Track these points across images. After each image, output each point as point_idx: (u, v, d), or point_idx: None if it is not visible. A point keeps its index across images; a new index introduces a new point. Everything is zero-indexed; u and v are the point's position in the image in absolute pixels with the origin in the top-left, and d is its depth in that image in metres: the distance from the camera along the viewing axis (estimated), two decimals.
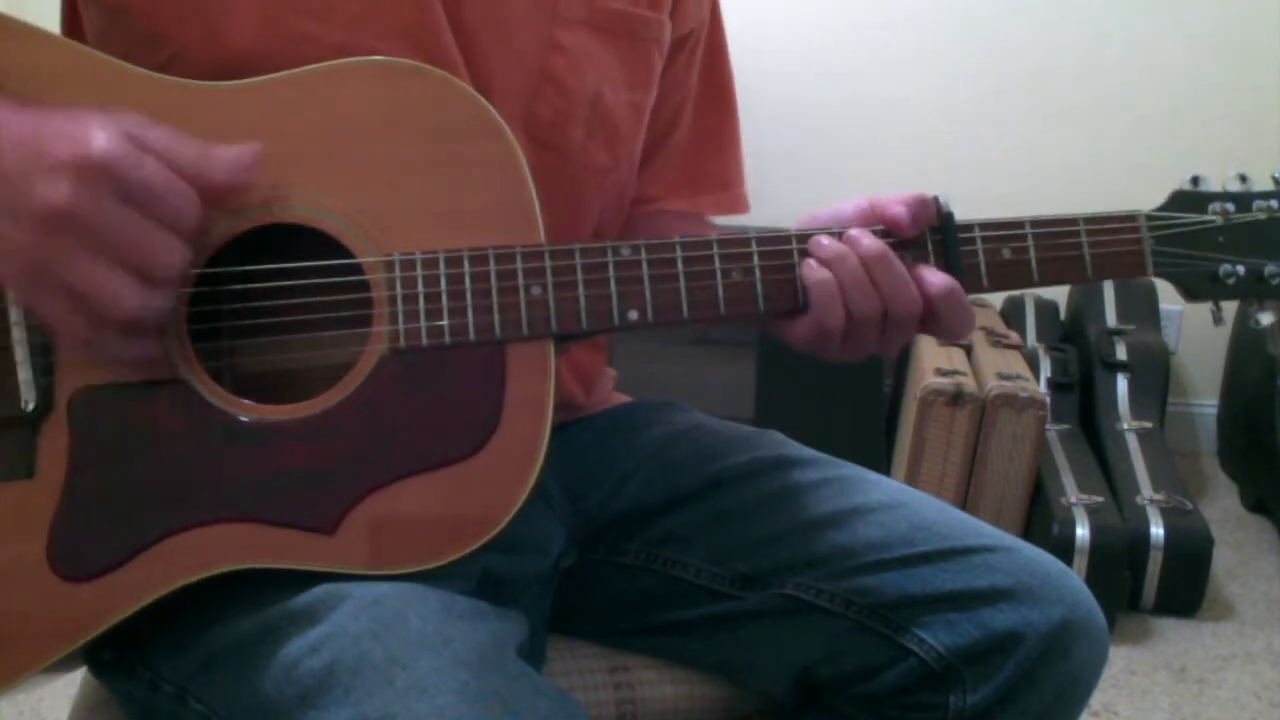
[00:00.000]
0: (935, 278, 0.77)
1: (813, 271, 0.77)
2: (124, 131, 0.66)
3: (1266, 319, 0.81)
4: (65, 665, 0.76)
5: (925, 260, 0.79)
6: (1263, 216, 0.80)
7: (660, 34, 0.91)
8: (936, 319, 0.78)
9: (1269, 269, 0.80)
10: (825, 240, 0.78)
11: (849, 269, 0.77)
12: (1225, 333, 2.53)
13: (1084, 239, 0.80)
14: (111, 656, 0.78)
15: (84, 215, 0.64)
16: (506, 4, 0.83)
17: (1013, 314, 2.54)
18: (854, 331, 0.78)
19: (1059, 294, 2.60)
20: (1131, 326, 2.44)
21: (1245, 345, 2.42)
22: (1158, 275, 0.81)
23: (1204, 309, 0.83)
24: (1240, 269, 0.80)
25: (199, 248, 0.72)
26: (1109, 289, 2.50)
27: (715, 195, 1.01)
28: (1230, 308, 0.82)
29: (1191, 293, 0.81)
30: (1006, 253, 0.79)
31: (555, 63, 0.85)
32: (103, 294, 0.65)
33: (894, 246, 0.78)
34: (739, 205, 1.03)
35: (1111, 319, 2.46)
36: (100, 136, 0.64)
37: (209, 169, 0.68)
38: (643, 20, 0.89)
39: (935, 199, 0.79)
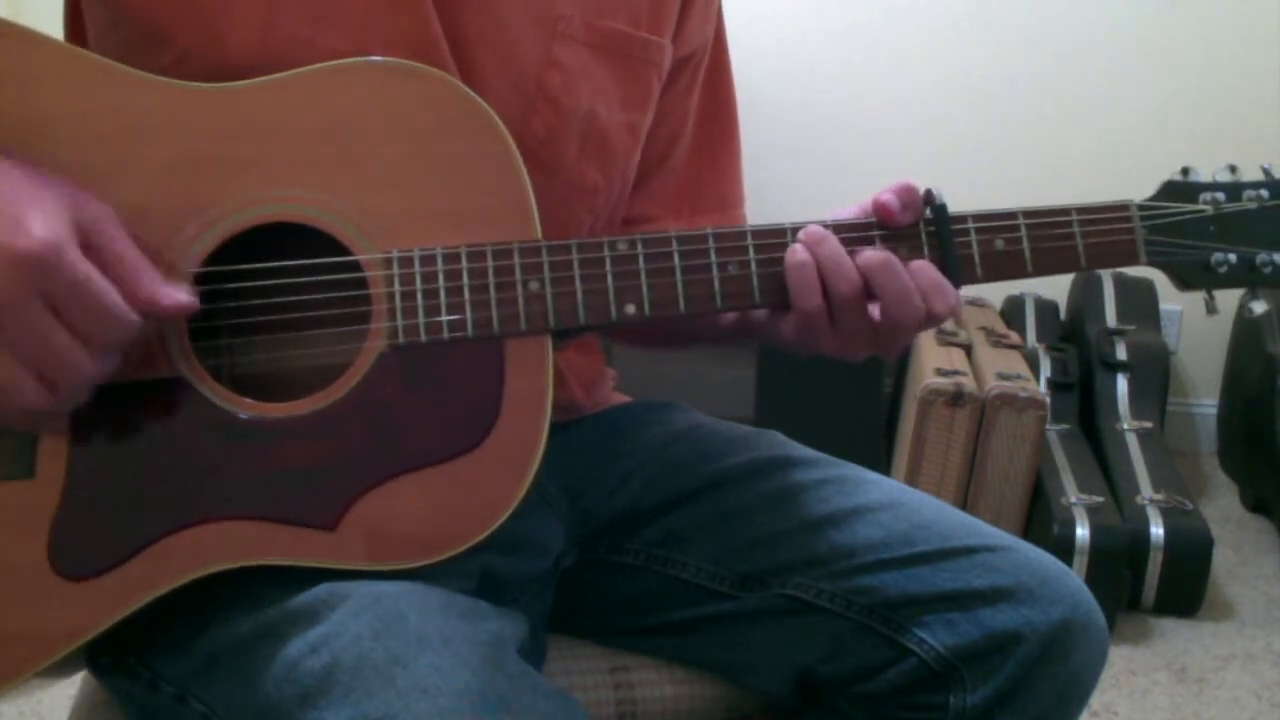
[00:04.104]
0: (912, 262, 0.78)
1: (793, 256, 0.78)
2: (73, 224, 0.65)
3: (1260, 307, 0.82)
4: (66, 667, 0.76)
5: (920, 252, 0.79)
6: (1253, 206, 0.81)
7: (660, 57, 0.91)
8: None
9: (1260, 257, 0.80)
10: (812, 226, 0.79)
11: (829, 250, 0.77)
12: (1225, 333, 2.54)
13: (1077, 229, 0.80)
14: (111, 657, 0.78)
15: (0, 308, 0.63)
16: (506, 20, 0.83)
17: (1013, 314, 2.54)
18: (839, 317, 0.78)
19: (1059, 294, 2.60)
20: (1131, 326, 2.44)
21: (1245, 345, 2.42)
22: (1150, 264, 0.81)
23: (1203, 308, 0.83)
24: (1232, 257, 0.80)
25: (197, 247, 0.73)
26: (1109, 289, 2.50)
27: (714, 215, 1.01)
28: (1226, 303, 0.82)
29: (1184, 281, 0.82)
30: (1000, 243, 0.80)
31: (551, 79, 0.85)
32: (9, 387, 0.65)
33: (887, 241, 0.78)
34: (737, 225, 1.03)
35: (1111, 319, 2.46)
36: (39, 228, 0.64)
37: (150, 295, 0.68)
38: (643, 42, 0.89)
39: (929, 191, 0.80)
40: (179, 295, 0.70)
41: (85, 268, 0.65)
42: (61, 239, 0.64)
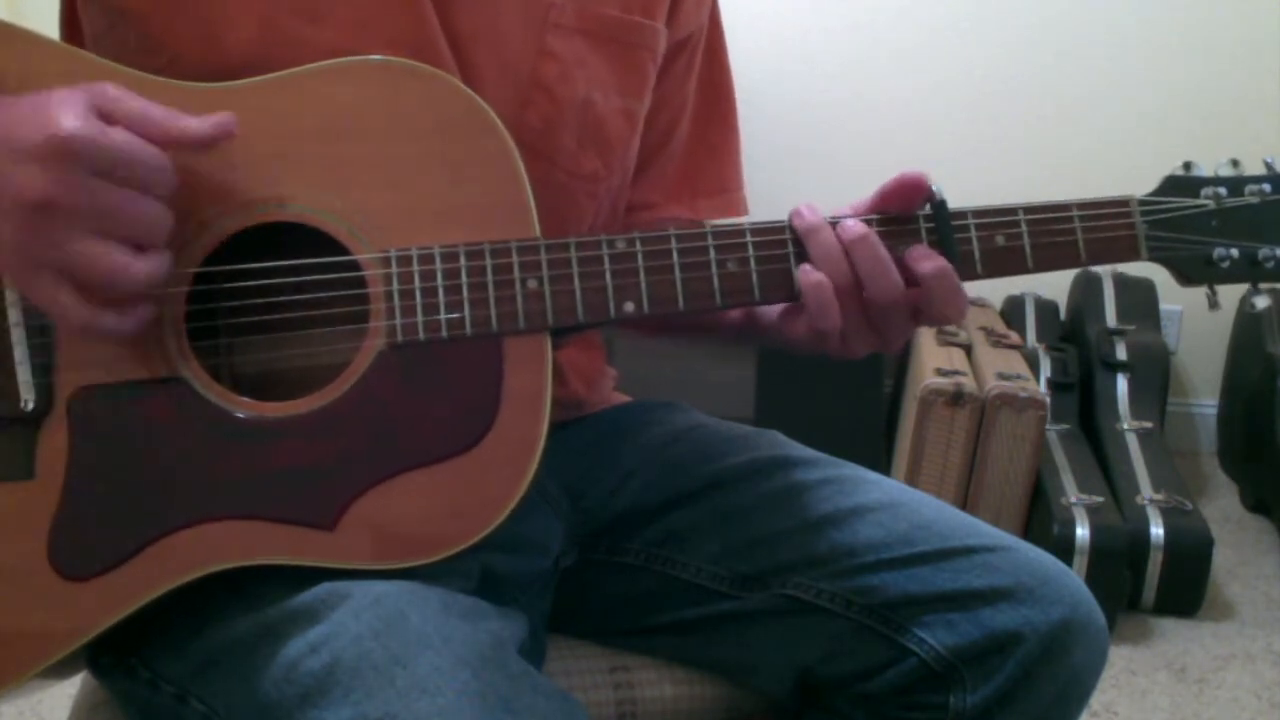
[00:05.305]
0: (926, 261, 0.77)
1: (807, 277, 0.77)
2: (89, 104, 0.66)
3: (1262, 302, 0.81)
4: (66, 668, 0.76)
5: None
6: (1255, 200, 0.80)
7: (654, 41, 0.91)
8: (929, 301, 0.78)
9: (1263, 252, 0.80)
10: (805, 210, 0.78)
11: (821, 239, 0.77)
12: (1225, 333, 2.54)
13: (1077, 224, 0.80)
14: (112, 657, 0.78)
15: (62, 198, 0.64)
16: (499, 11, 0.84)
17: (1013, 314, 2.54)
18: (848, 321, 0.78)
19: (1059, 293, 2.60)
20: (1131, 326, 2.44)
21: (1245, 345, 2.42)
22: (1151, 259, 0.81)
23: (1204, 308, 0.83)
24: (1234, 252, 0.80)
25: (196, 247, 0.73)
26: (1109, 289, 2.50)
27: (713, 199, 1.01)
28: (1229, 301, 0.82)
29: (1186, 277, 0.82)
30: (1000, 239, 0.79)
31: (546, 69, 0.85)
32: (100, 269, 0.65)
33: (887, 236, 0.78)
34: (737, 208, 1.03)
35: (1111, 319, 2.46)
36: (63, 115, 0.64)
37: (181, 129, 0.69)
38: (637, 27, 0.89)
39: (929, 188, 0.79)
40: (206, 123, 0.69)
41: (119, 135, 0.66)
42: (88, 118, 0.65)
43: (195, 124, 0.69)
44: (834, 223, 0.78)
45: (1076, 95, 2.57)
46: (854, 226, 0.77)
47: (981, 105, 2.59)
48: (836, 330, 0.78)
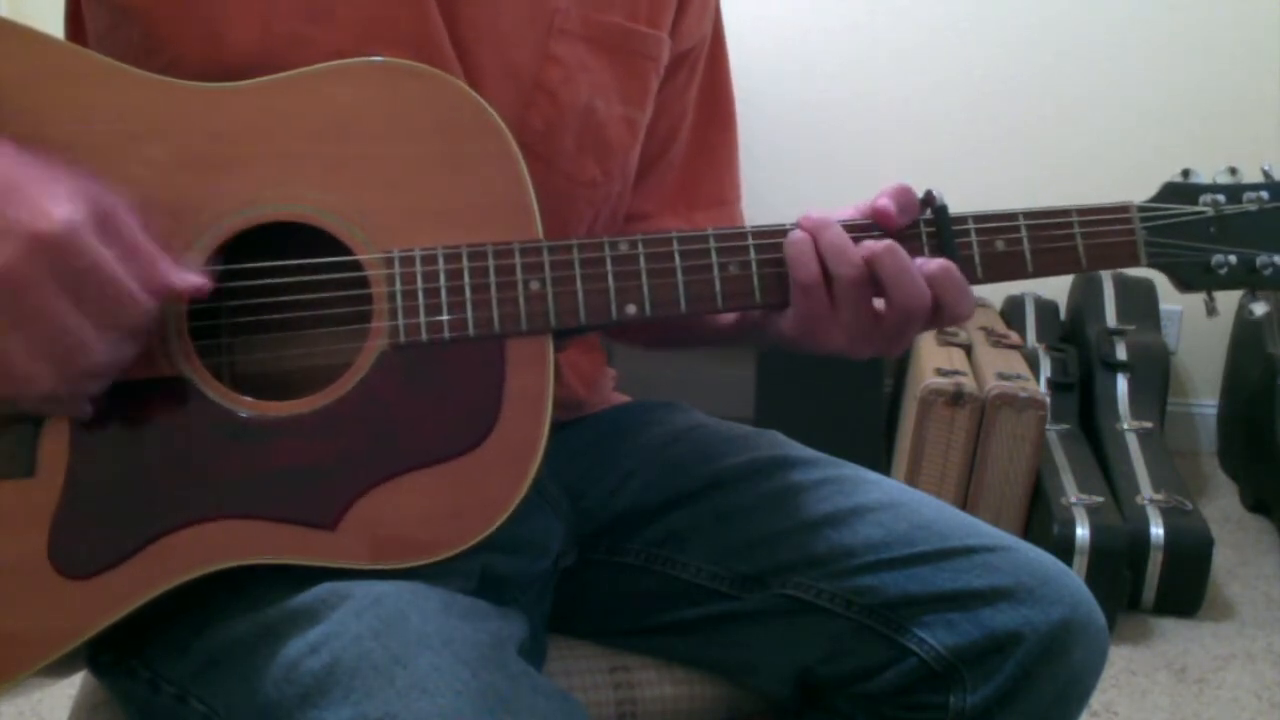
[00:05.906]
0: (931, 262, 0.77)
1: (790, 236, 0.78)
2: (90, 210, 0.65)
3: (1260, 309, 0.82)
4: (66, 666, 0.76)
5: (920, 253, 0.79)
6: (1253, 208, 0.81)
7: (658, 51, 0.91)
8: (938, 302, 0.78)
9: (1260, 259, 0.80)
10: (814, 213, 0.78)
11: (831, 236, 0.77)
12: (1225, 333, 2.54)
13: (1077, 230, 0.80)
14: (112, 657, 0.78)
15: (16, 287, 0.64)
16: (502, 14, 0.84)
17: (1013, 314, 2.54)
18: (841, 303, 0.77)
19: (1059, 294, 2.61)
20: (1131, 326, 2.44)
21: (1245, 345, 2.42)
22: (1150, 265, 0.81)
23: (1203, 308, 0.83)
24: (1232, 259, 0.81)
25: (198, 246, 0.73)
26: (1109, 289, 2.50)
27: (710, 211, 1.01)
28: (1226, 304, 0.82)
29: (1185, 283, 0.82)
30: (1000, 244, 0.80)
31: (549, 73, 0.85)
32: (21, 370, 0.65)
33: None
34: (734, 221, 1.02)
35: (1111, 319, 2.46)
36: (59, 211, 0.64)
37: (164, 277, 0.69)
38: (641, 36, 0.89)
39: (929, 192, 0.80)
40: (191, 277, 0.70)
41: (101, 251, 0.65)
42: (79, 222, 0.65)
43: (179, 278, 0.70)
44: (854, 236, 0.78)
45: (1076, 95, 2.57)
46: (877, 243, 0.77)
47: (981, 105, 2.59)
48: (816, 284, 0.77)
